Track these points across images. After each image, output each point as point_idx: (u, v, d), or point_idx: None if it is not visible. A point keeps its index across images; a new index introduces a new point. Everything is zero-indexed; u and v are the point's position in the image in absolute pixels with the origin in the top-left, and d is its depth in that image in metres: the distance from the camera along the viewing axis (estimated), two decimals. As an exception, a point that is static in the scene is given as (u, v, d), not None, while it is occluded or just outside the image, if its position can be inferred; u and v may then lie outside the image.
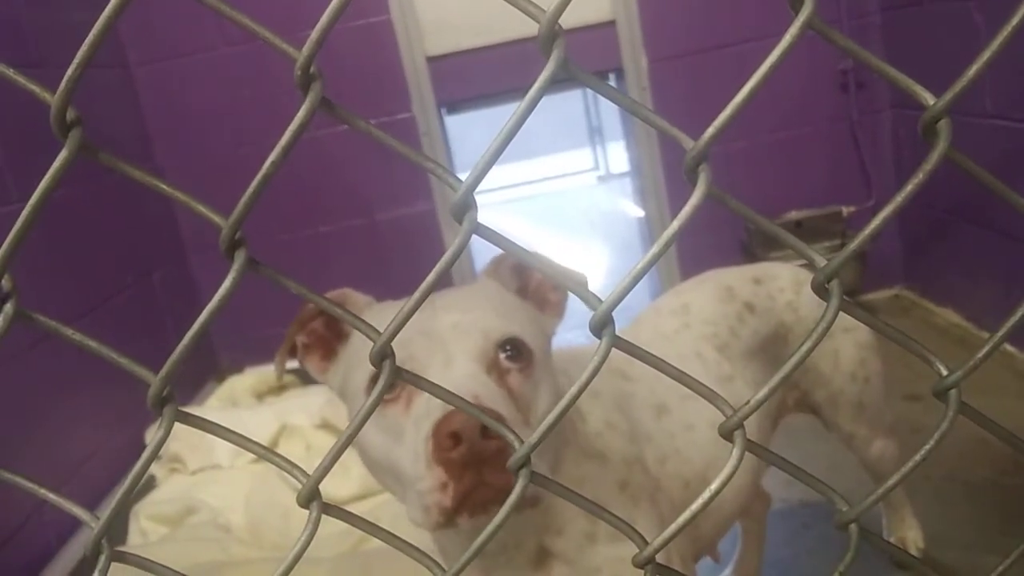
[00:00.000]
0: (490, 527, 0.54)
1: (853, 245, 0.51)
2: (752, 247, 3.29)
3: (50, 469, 2.27)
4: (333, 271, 3.36)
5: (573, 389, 0.51)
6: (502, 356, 0.86)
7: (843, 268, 0.49)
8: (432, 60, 3.28)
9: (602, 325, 0.49)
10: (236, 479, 2.39)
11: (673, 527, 0.54)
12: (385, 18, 3.22)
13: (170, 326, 3.10)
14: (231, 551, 2.02)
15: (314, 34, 0.43)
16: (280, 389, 2.99)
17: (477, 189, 0.47)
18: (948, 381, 0.52)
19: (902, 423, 1.78)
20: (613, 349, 0.50)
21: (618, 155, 7.08)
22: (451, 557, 1.00)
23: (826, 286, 0.49)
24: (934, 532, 1.84)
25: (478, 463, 0.75)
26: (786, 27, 0.44)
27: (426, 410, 0.80)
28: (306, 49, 0.44)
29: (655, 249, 0.47)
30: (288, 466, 0.55)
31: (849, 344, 1.49)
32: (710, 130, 0.46)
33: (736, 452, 0.51)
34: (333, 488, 2.10)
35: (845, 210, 3.27)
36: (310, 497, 0.53)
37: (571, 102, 7.69)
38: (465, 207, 0.47)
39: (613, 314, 0.49)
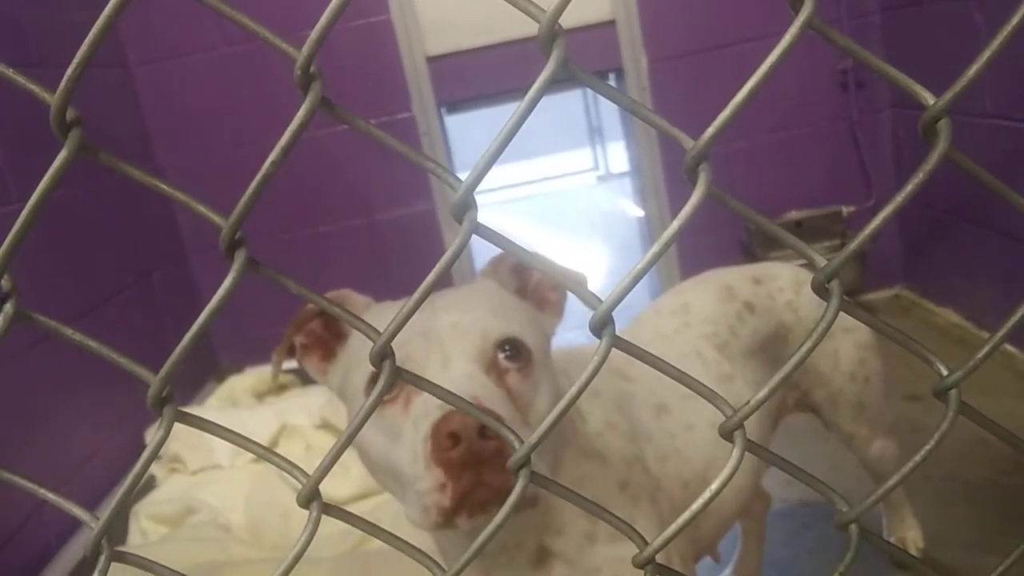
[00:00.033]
0: (490, 527, 0.54)
1: (853, 245, 0.51)
2: (752, 247, 3.29)
3: (50, 469, 2.27)
4: (333, 271, 3.36)
5: (573, 389, 0.51)
6: (501, 356, 0.86)
7: (843, 268, 0.49)
8: (432, 60, 3.28)
9: (602, 325, 0.49)
10: (236, 479, 2.39)
11: (673, 527, 0.54)
12: (385, 18, 3.22)
13: (170, 326, 3.10)
14: (231, 551, 2.02)
15: (314, 34, 0.43)
16: (280, 389, 2.99)
17: (477, 189, 0.47)
18: (948, 381, 0.52)
19: (902, 423, 1.78)
20: (613, 349, 0.50)
21: (618, 155, 7.08)
22: (451, 557, 1.00)
23: (826, 286, 0.49)
24: (934, 532, 1.84)
25: (476, 463, 0.75)
26: (786, 27, 0.44)
27: (424, 411, 0.80)
28: (306, 49, 0.44)
29: (655, 249, 0.47)
30: (288, 466, 0.55)
31: (849, 344, 1.49)
32: (710, 130, 0.46)
33: (736, 452, 0.51)
34: (333, 488, 2.09)
35: (845, 210, 3.27)
36: (310, 497, 0.53)
37: (571, 102, 7.69)
38: (465, 207, 0.47)
39: (613, 314, 0.49)
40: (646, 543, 0.55)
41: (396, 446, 0.84)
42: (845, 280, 0.49)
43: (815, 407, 1.54)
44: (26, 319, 0.51)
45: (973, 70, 0.45)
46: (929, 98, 0.46)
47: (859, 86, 3.25)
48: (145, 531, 2.24)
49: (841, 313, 0.49)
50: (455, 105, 3.91)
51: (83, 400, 2.45)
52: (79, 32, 0.43)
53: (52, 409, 2.32)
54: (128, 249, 2.97)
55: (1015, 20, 0.44)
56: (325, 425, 2.54)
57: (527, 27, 0.69)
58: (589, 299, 0.51)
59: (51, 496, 0.56)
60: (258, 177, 0.45)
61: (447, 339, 0.85)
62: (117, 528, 2.26)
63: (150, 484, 2.49)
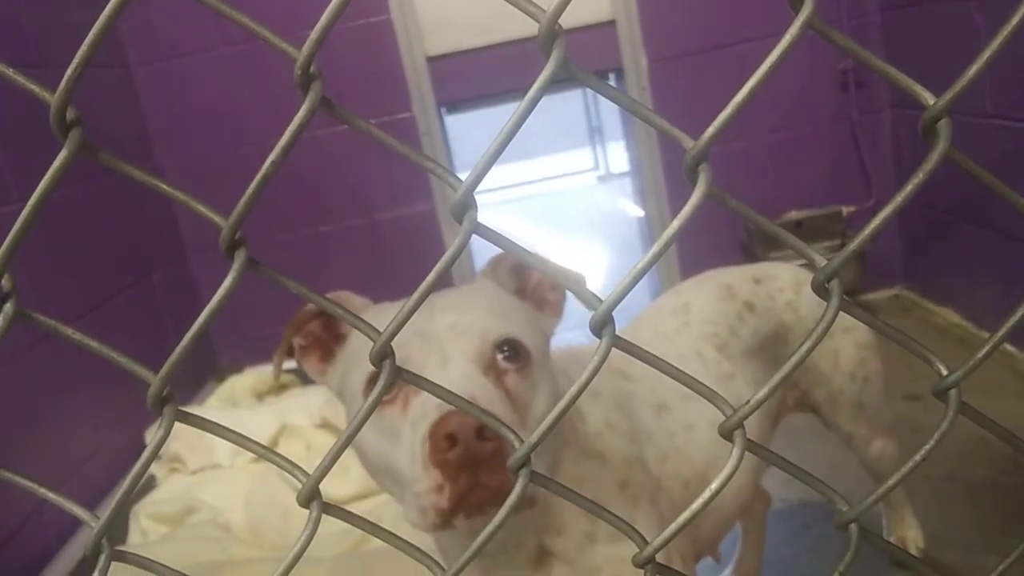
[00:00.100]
0: (489, 527, 0.54)
1: (853, 245, 0.51)
2: (752, 247, 3.29)
3: (50, 469, 2.27)
4: (333, 271, 3.36)
5: (573, 389, 0.51)
6: (499, 357, 0.86)
7: (843, 268, 0.49)
8: (432, 60, 3.28)
9: (602, 325, 0.49)
10: (236, 479, 2.39)
11: (673, 527, 0.54)
12: (385, 18, 3.22)
13: (170, 326, 3.10)
14: (231, 551, 2.02)
15: (314, 34, 0.43)
16: (280, 389, 2.99)
17: (477, 189, 0.47)
18: (948, 381, 0.52)
19: (902, 423, 1.78)
20: (613, 349, 0.50)
21: (618, 155, 7.08)
22: (451, 557, 1.00)
23: (826, 286, 0.49)
24: (934, 532, 1.84)
25: (474, 464, 0.75)
26: (786, 27, 0.44)
27: (422, 411, 0.80)
28: (306, 49, 0.44)
29: (655, 249, 0.47)
30: (288, 466, 0.55)
31: (849, 344, 1.49)
32: (710, 130, 0.46)
33: (736, 452, 0.51)
34: (333, 488, 2.10)
35: (845, 210, 3.27)
36: (310, 497, 0.53)
37: (571, 102, 7.69)
38: (465, 207, 0.47)
39: (613, 314, 0.49)
40: (646, 543, 0.55)
41: (394, 447, 0.84)
42: (845, 280, 0.49)
43: (815, 407, 1.54)
44: (26, 319, 0.51)
45: (973, 70, 0.45)
46: (929, 98, 0.46)
47: (859, 86, 3.25)
48: (145, 530, 2.24)
49: (841, 313, 0.49)
50: (455, 105, 3.91)
51: (83, 400, 2.45)
52: (79, 32, 0.43)
53: (52, 409, 2.32)
54: (128, 249, 2.97)
55: (1015, 20, 0.44)
56: (325, 425, 2.54)
57: (527, 27, 0.69)
58: (589, 299, 0.51)
59: (51, 495, 0.56)
60: (258, 177, 0.45)
61: (446, 339, 0.85)
62: (117, 527, 2.26)
63: (150, 484, 2.49)
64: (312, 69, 0.44)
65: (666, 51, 3.26)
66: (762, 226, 0.51)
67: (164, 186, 0.50)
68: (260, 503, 2.25)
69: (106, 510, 0.54)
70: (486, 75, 3.35)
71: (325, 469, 0.53)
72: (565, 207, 6.78)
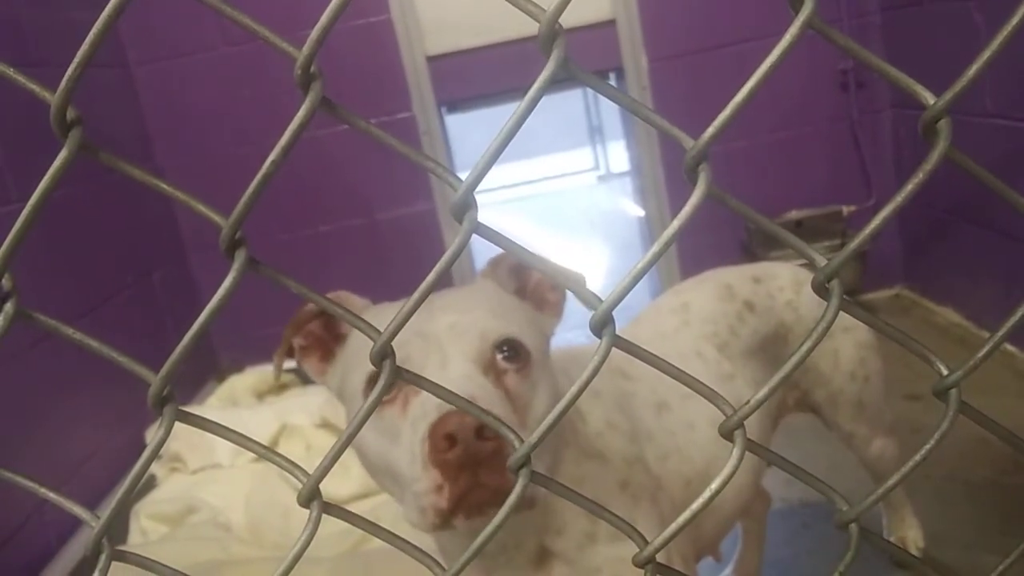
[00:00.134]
0: (490, 527, 0.54)
1: (853, 245, 0.51)
2: (752, 247, 3.29)
3: (50, 469, 2.26)
4: (333, 271, 3.36)
5: (573, 389, 0.51)
6: (499, 357, 0.86)
7: (843, 268, 0.49)
8: (432, 60, 3.28)
9: (602, 324, 0.49)
10: (236, 478, 2.39)
11: (673, 526, 0.54)
12: (385, 17, 3.22)
13: (170, 326, 3.10)
14: (231, 550, 2.02)
15: (314, 33, 0.43)
16: (280, 389, 2.99)
17: (477, 189, 0.47)
18: (948, 381, 0.52)
19: (902, 423, 1.78)
20: (613, 348, 0.50)
21: (618, 154, 7.08)
22: (451, 557, 1.00)
23: (826, 285, 0.49)
24: (934, 532, 1.84)
25: (474, 465, 0.75)
26: (786, 27, 0.44)
27: (422, 411, 0.80)
28: (306, 48, 0.44)
29: (655, 248, 0.47)
30: (289, 465, 0.55)
31: (849, 343, 1.49)
32: (710, 130, 0.46)
33: (736, 452, 0.51)
34: (333, 487, 2.10)
35: (845, 210, 3.27)
36: (310, 496, 0.53)
37: (571, 101, 7.69)
38: (465, 206, 0.47)
39: (613, 314, 0.49)
40: (646, 542, 0.55)
41: (394, 447, 0.84)
42: (845, 280, 0.49)
43: (815, 406, 1.54)
44: (26, 319, 0.51)
45: (973, 70, 0.45)
46: (929, 98, 0.46)
47: (859, 86, 3.25)
48: (145, 530, 2.24)
49: (841, 312, 0.49)
50: (455, 105, 3.91)
51: (83, 400, 2.44)
52: (79, 32, 0.43)
53: (52, 409, 2.32)
54: (128, 249, 2.97)
55: (1015, 20, 0.44)
56: (325, 424, 2.54)
57: (527, 27, 0.69)
58: (589, 299, 0.51)
59: (52, 495, 0.56)
60: (258, 177, 0.45)
61: (445, 340, 0.85)
62: (117, 527, 2.26)
63: (150, 483, 2.49)
64: (312, 69, 0.44)
65: (666, 51, 3.26)
66: (762, 226, 0.51)
67: (164, 186, 0.50)
68: (260, 503, 2.25)
69: (106, 510, 0.54)
70: (486, 75, 3.35)
71: (325, 469, 0.53)
72: (565, 207, 6.78)
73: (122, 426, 2.59)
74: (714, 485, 0.52)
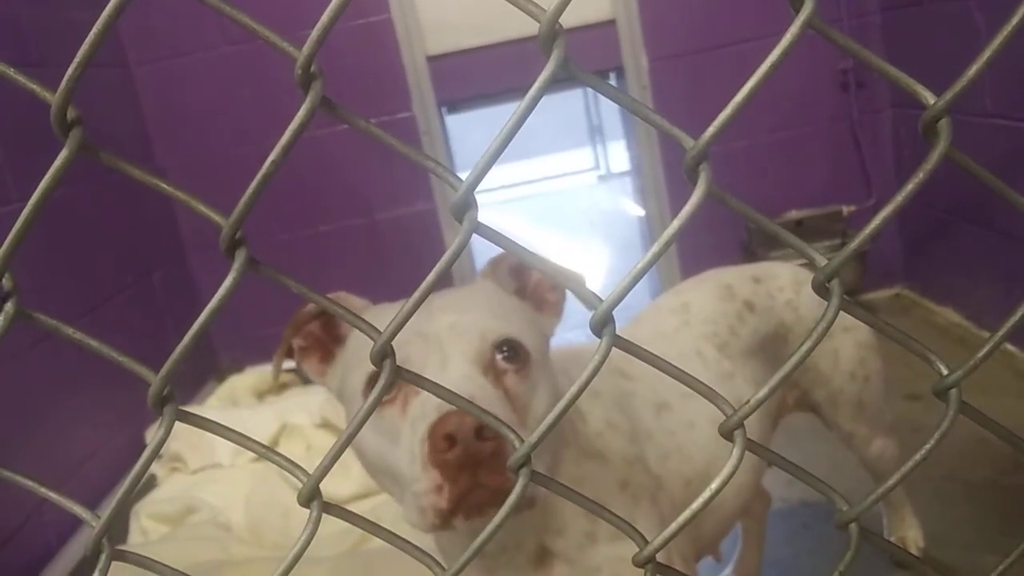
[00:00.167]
0: (490, 527, 0.54)
1: (853, 244, 0.51)
2: (752, 246, 3.29)
3: (50, 469, 2.27)
4: (333, 271, 3.36)
5: (573, 389, 0.51)
6: (499, 357, 0.86)
7: (843, 267, 0.49)
8: (432, 59, 3.28)
9: (602, 324, 0.49)
10: (237, 478, 2.39)
11: (673, 526, 0.54)
12: (385, 17, 3.22)
13: (170, 326, 3.10)
14: (231, 550, 2.02)
15: (314, 33, 0.43)
16: (280, 388, 2.99)
17: (477, 188, 0.47)
18: (948, 380, 0.52)
19: (902, 423, 1.78)
20: (613, 348, 0.50)
21: (618, 154, 7.08)
22: (451, 557, 1.00)
23: (826, 285, 0.49)
24: (934, 531, 1.84)
25: (473, 465, 0.75)
26: (786, 27, 0.44)
27: (422, 412, 0.80)
28: (306, 48, 0.44)
29: (655, 248, 0.47)
30: (289, 465, 0.55)
31: (849, 343, 1.49)
32: (710, 129, 0.46)
33: (736, 451, 0.51)
34: (334, 487, 2.09)
35: (845, 209, 3.27)
36: (311, 496, 0.53)
37: (571, 101, 7.69)
38: (465, 206, 0.47)
39: (613, 313, 0.49)
40: (646, 542, 0.55)
41: (394, 447, 0.84)
42: (845, 279, 0.49)
43: (815, 406, 1.54)
44: (27, 318, 0.51)
45: (973, 70, 0.45)
46: (929, 98, 0.46)
47: (859, 86, 3.25)
48: (146, 530, 2.24)
49: (841, 312, 0.49)
50: (455, 105, 3.91)
51: (83, 400, 2.45)
52: (79, 32, 0.43)
53: (52, 409, 2.32)
54: (128, 249, 2.97)
55: (1015, 20, 0.44)
56: (325, 424, 2.54)
57: (527, 27, 0.69)
58: (589, 299, 0.51)
59: (52, 495, 0.56)
60: (258, 177, 0.45)
61: (445, 340, 0.85)
62: (118, 527, 2.26)
63: (151, 483, 2.49)
64: (312, 68, 0.44)
65: (666, 50, 3.26)
66: (762, 225, 0.51)
67: (165, 186, 0.50)
68: (260, 503, 2.25)
69: (106, 510, 0.54)
70: (486, 75, 3.35)
71: (325, 469, 0.53)
72: (565, 207, 6.78)
73: (122, 426, 2.59)
74: (714, 485, 0.52)
